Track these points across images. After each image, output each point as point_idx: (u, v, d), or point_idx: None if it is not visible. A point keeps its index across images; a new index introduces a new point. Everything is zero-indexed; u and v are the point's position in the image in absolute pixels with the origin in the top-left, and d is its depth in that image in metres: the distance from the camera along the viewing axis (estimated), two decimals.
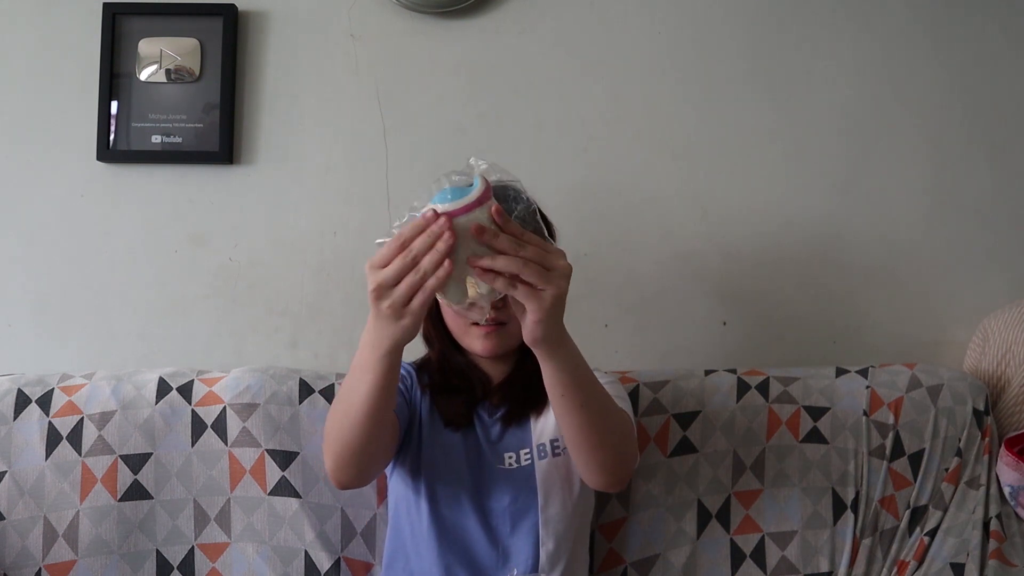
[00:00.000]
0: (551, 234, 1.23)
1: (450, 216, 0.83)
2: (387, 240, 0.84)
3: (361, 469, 1.02)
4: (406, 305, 0.83)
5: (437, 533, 1.13)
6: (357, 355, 0.92)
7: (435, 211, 0.83)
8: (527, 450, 1.17)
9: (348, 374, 0.95)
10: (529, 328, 0.89)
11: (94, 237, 1.59)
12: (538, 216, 0.88)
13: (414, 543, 1.15)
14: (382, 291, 0.83)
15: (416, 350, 1.25)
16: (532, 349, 0.92)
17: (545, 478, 1.15)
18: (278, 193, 1.60)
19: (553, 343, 0.91)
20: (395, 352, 0.89)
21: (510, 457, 1.17)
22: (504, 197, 0.91)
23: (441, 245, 0.81)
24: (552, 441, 1.17)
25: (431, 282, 0.82)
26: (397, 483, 1.19)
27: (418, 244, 0.82)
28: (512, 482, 1.15)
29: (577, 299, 1.64)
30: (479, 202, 0.84)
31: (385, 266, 0.83)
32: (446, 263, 0.81)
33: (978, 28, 1.63)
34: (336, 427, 0.98)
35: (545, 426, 1.18)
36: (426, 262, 0.81)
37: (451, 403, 1.18)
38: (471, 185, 0.85)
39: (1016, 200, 1.63)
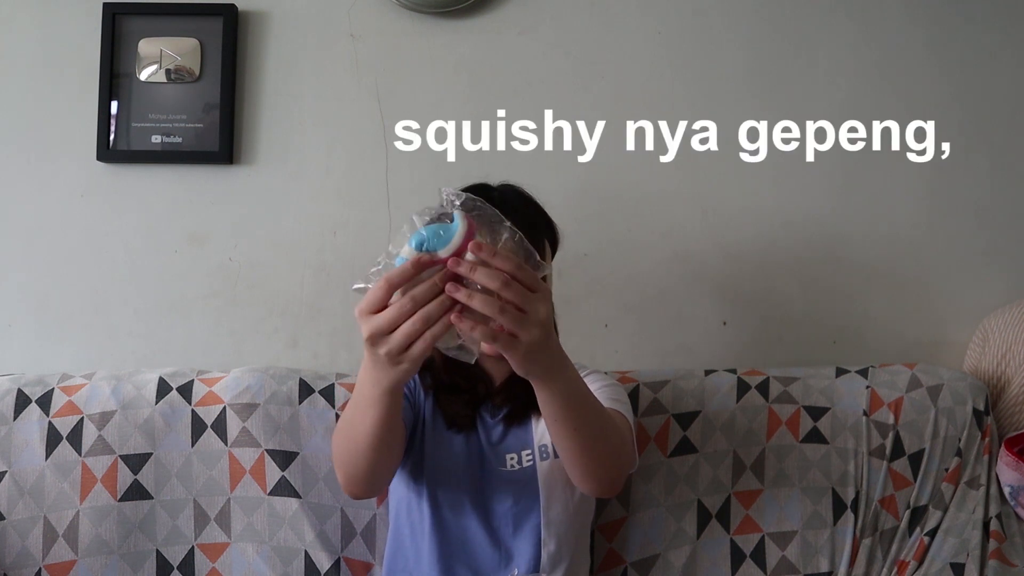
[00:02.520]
0: (555, 238, 1.23)
1: (440, 263, 0.79)
2: (365, 285, 0.81)
3: (374, 485, 1.04)
4: (404, 352, 0.80)
5: (438, 534, 1.13)
6: (358, 387, 0.91)
7: (432, 258, 0.79)
8: (528, 451, 1.17)
9: (351, 403, 0.95)
10: (511, 362, 0.86)
11: (94, 237, 1.59)
12: (525, 243, 0.84)
13: (414, 544, 1.15)
14: (377, 338, 0.80)
15: None
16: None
17: (547, 480, 1.15)
18: (278, 193, 1.60)
19: (541, 377, 0.89)
20: (397, 390, 0.88)
21: (512, 458, 1.17)
22: (488, 228, 0.85)
23: (446, 297, 0.78)
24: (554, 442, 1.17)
25: (436, 328, 0.79)
26: (398, 484, 1.19)
27: (421, 291, 0.78)
28: (514, 484, 1.15)
29: (577, 299, 1.66)
30: (466, 244, 0.79)
31: (376, 311, 0.79)
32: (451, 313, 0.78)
33: (977, 28, 1.63)
34: (343, 451, 0.99)
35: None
36: (432, 309, 0.78)
37: (454, 404, 1.18)
38: (451, 222, 0.80)
39: (1016, 200, 1.63)
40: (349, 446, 0.97)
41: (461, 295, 0.78)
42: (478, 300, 0.78)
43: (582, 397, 0.95)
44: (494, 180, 1.23)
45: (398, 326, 0.79)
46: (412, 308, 0.78)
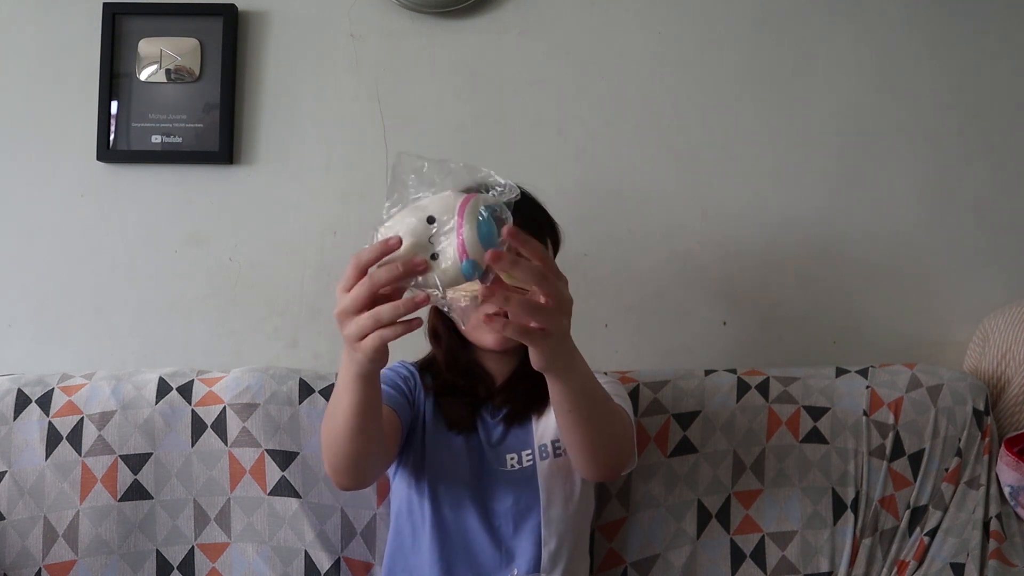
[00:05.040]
0: (556, 237, 1.24)
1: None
2: (380, 230, 0.80)
3: (358, 475, 1.03)
4: (358, 340, 0.80)
5: (439, 534, 1.13)
6: (339, 372, 0.91)
7: (400, 239, 0.77)
8: (529, 451, 1.17)
9: (335, 388, 0.95)
10: (534, 358, 0.87)
11: (94, 237, 1.59)
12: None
13: (415, 544, 1.15)
14: (343, 317, 0.80)
15: (418, 349, 1.25)
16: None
17: (547, 479, 1.15)
18: (278, 193, 1.60)
19: (559, 369, 0.90)
20: (366, 378, 0.87)
21: (512, 458, 1.17)
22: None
23: (403, 307, 0.77)
24: (553, 442, 1.17)
25: (387, 332, 0.78)
26: (400, 485, 1.19)
27: (379, 275, 0.77)
28: (514, 484, 1.15)
29: (577, 299, 1.64)
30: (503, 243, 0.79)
31: (349, 290, 0.79)
32: (412, 320, 0.78)
33: (976, 28, 1.63)
34: (328, 439, 0.99)
35: (547, 427, 1.18)
36: (383, 311, 0.77)
37: (455, 405, 1.18)
38: (504, 218, 0.80)
39: (1015, 200, 1.63)
40: (331, 433, 0.97)
41: (499, 301, 0.77)
42: (515, 306, 0.78)
43: (592, 388, 0.97)
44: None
45: (360, 312, 0.79)
46: (369, 289, 0.77)
